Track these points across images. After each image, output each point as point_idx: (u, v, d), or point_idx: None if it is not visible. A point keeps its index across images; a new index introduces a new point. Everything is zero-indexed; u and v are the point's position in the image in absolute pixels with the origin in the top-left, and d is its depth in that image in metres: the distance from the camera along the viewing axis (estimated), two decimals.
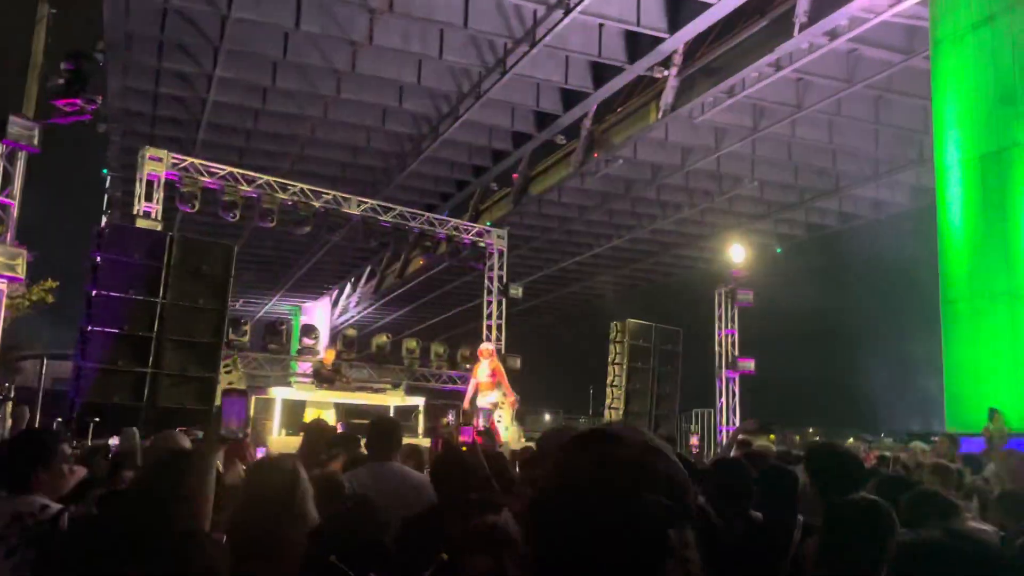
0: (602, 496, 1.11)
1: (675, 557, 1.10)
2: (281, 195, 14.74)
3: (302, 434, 6.02)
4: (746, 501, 3.74)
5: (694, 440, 15.66)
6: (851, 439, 19.17)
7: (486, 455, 4.48)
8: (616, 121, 16.62)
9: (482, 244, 17.72)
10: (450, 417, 14.85)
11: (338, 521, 2.90)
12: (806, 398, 20.80)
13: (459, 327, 26.94)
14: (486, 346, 12.26)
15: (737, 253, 17.07)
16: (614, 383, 16.24)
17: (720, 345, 16.63)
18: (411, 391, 14.80)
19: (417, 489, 4.09)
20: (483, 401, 11.81)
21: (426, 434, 13.19)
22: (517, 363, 16.84)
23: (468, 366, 17.23)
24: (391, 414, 13.57)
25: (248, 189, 14.41)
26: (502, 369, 12.29)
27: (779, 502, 3.68)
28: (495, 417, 15.13)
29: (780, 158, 17.79)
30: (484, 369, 11.90)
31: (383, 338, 16.93)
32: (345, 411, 13.04)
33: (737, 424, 16.11)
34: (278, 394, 12.56)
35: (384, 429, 4.70)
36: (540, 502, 1.16)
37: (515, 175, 19.68)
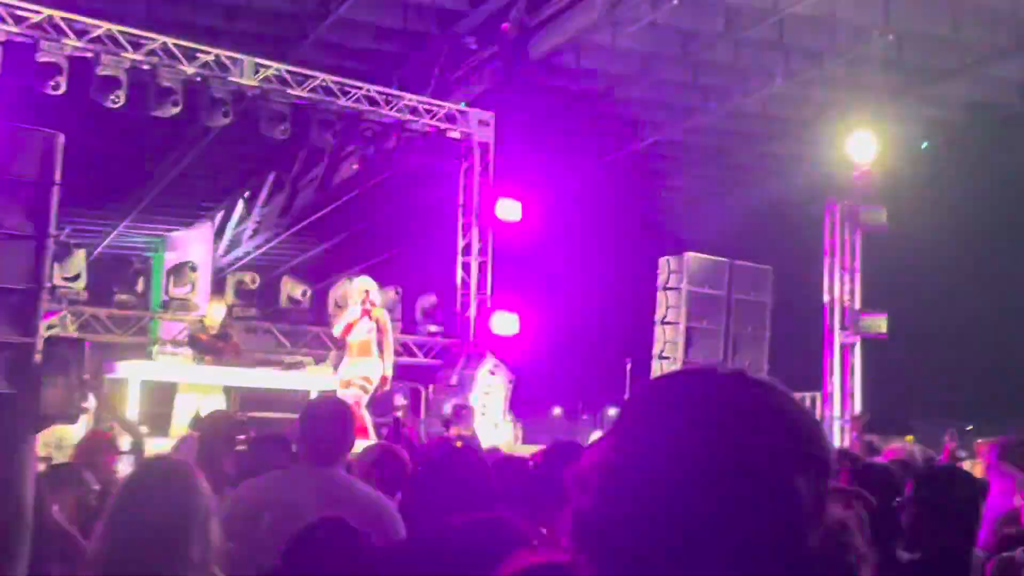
0: (696, 440, 1.22)
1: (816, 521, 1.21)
2: (132, 54, 14.52)
3: (188, 434, 6.16)
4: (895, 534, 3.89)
5: None
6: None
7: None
8: None
9: (455, 134, 17.54)
10: (399, 401, 14.98)
11: (303, 550, 2.95)
12: (965, 375, 20.91)
13: (417, 269, 26.91)
14: (362, 283, 12.33)
15: (861, 148, 17.01)
16: (664, 353, 16.32)
17: (833, 293, 16.65)
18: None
19: (377, 515, 4.15)
20: (350, 373, 12.13)
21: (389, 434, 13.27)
22: (512, 324, 16.89)
23: (433, 328, 17.34)
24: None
25: (78, 44, 14.16)
26: (386, 323, 12.52)
27: (949, 533, 3.75)
28: (480, 404, 15.21)
29: None
30: (360, 322, 12.18)
31: (296, 287, 16.96)
32: (240, 398, 13.10)
33: (855, 414, 16.26)
34: (132, 373, 12.57)
35: (327, 416, 4.72)
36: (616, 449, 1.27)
37: (505, 26, 19.48)
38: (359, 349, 12.15)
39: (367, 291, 12.43)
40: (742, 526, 1.18)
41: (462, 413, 11.87)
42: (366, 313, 12.32)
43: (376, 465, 5.38)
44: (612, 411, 26.34)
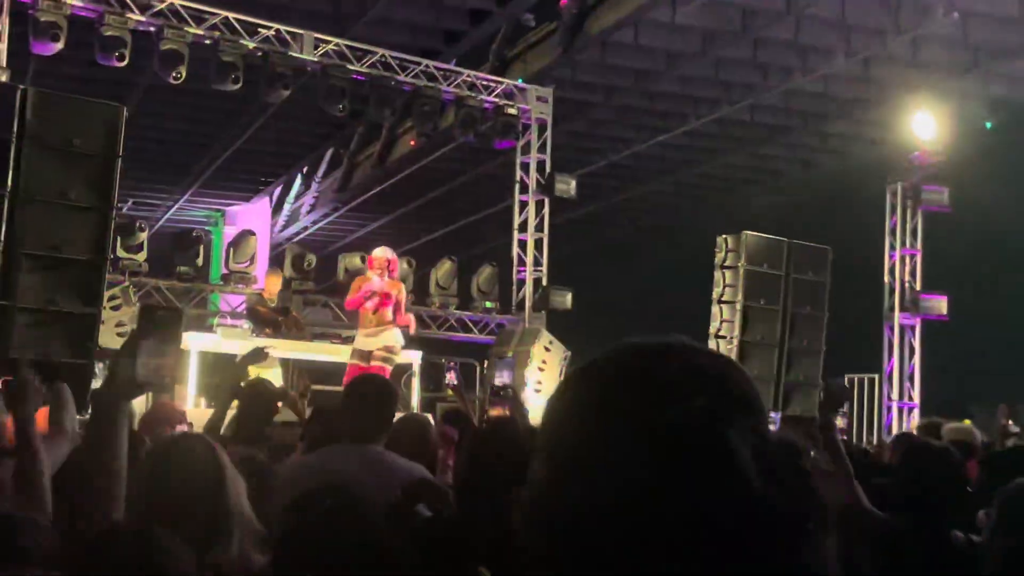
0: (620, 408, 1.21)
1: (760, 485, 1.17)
2: (194, 29, 14.70)
3: (235, 404, 6.19)
4: (946, 513, 3.85)
5: (840, 422, 15.62)
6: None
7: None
8: None
9: (513, 111, 17.56)
10: (452, 376, 15.02)
11: (313, 530, 2.96)
12: None
13: (475, 244, 27.00)
14: (380, 253, 12.19)
15: (923, 128, 16.81)
16: (720, 332, 16.23)
17: (893, 274, 16.50)
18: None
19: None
20: (371, 344, 11.96)
21: (424, 407, 13.37)
22: (567, 300, 16.90)
23: (488, 303, 17.41)
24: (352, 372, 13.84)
25: (141, 18, 14.36)
26: (403, 295, 12.37)
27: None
28: (534, 379, 15.28)
29: None
30: (377, 288, 11.95)
31: (355, 260, 17.06)
32: (298, 371, 13.27)
33: (916, 398, 16.12)
34: (193, 344, 12.78)
35: (370, 392, 4.76)
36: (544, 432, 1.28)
37: (563, 2, 19.45)
38: (378, 320, 12.04)
39: (389, 260, 12.27)
40: (682, 495, 1.16)
41: (500, 396, 11.92)
42: (386, 284, 12.18)
43: (416, 440, 5.43)
44: None
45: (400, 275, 17.03)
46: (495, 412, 11.27)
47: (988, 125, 22.18)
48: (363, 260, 15.33)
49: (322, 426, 5.65)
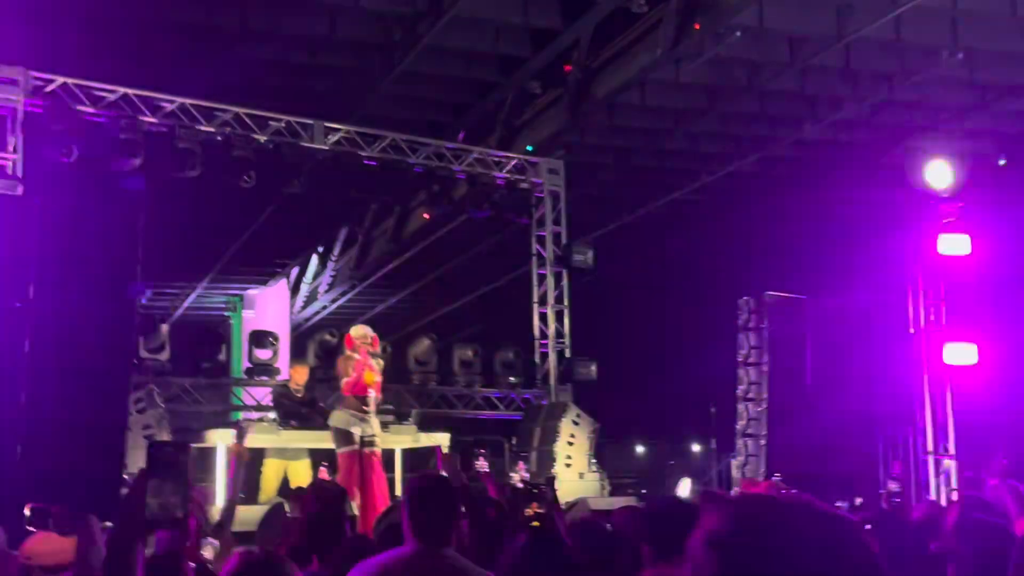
0: None
1: None
2: (206, 126, 14.85)
3: (278, 502, 6.16)
4: None
5: (892, 484, 15.55)
6: None
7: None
8: None
9: (524, 184, 17.66)
10: (482, 463, 14.98)
11: None
12: None
13: (494, 316, 27.00)
14: (367, 331, 12.14)
15: (938, 172, 16.78)
16: (749, 395, 16.22)
17: (918, 325, 16.40)
18: (427, 423, 14.95)
19: None
20: (369, 430, 11.89)
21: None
22: (592, 371, 16.88)
23: (512, 378, 17.40)
24: (397, 462, 13.77)
25: (154, 120, 14.52)
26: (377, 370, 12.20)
27: None
28: (563, 454, 15.20)
29: (999, 11, 17.39)
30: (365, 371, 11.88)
31: (326, 337, 17.08)
32: (329, 463, 13.25)
33: (951, 449, 15.96)
34: (220, 440, 12.79)
35: (432, 491, 4.61)
36: None
37: (568, 67, 19.58)
38: (364, 403, 11.99)
39: (373, 338, 12.25)
40: None
41: (534, 493, 11.84)
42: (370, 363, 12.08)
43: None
44: (695, 448, 26.18)
45: (422, 353, 17.15)
46: (530, 511, 11.25)
47: (1002, 162, 22.17)
48: (339, 338, 15.26)
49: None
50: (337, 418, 12.01)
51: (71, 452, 10.92)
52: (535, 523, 8.01)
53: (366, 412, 11.95)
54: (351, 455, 11.78)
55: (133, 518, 3.13)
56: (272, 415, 14.19)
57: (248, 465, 12.60)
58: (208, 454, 13.22)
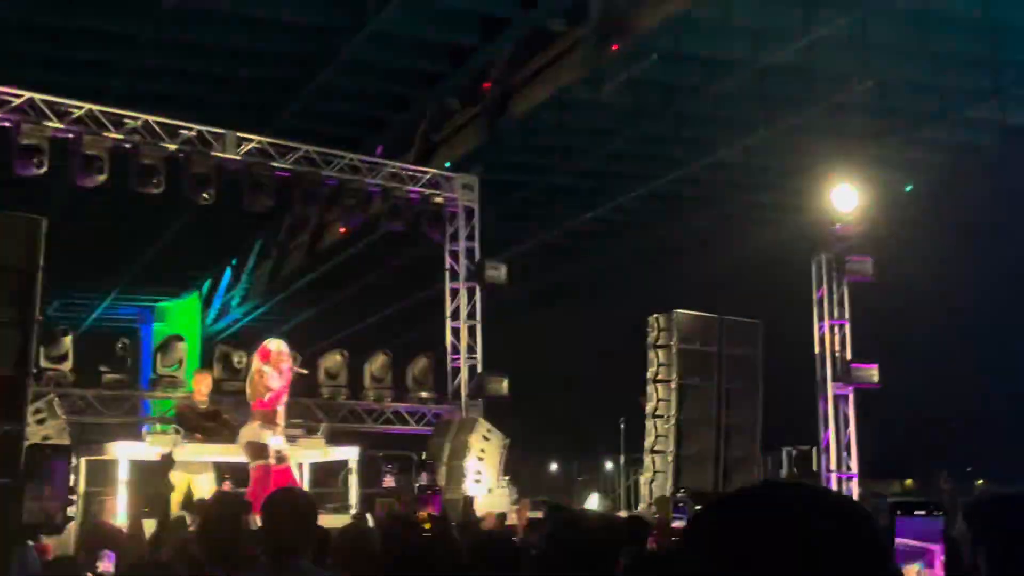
0: None
1: None
2: (113, 133, 14.61)
3: (179, 515, 6.08)
4: None
5: None
6: None
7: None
8: None
9: (439, 199, 17.64)
10: (389, 480, 14.89)
11: None
12: (960, 423, 20.94)
13: (407, 331, 26.92)
14: (281, 347, 12.02)
15: (844, 197, 17.11)
16: (657, 412, 16.32)
17: (823, 345, 16.69)
18: (336, 437, 14.82)
19: None
20: (281, 445, 11.88)
21: (362, 507, 13.22)
22: (503, 386, 16.89)
23: (424, 393, 17.34)
24: (305, 475, 13.64)
25: (59, 125, 14.27)
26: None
27: None
28: (474, 469, 15.18)
29: (907, 40, 17.81)
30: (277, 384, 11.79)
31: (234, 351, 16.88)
32: (233, 476, 13.06)
33: (854, 468, 16.26)
34: (122, 453, 12.54)
35: (287, 505, 4.71)
36: None
37: (486, 84, 19.65)
38: (274, 416, 11.92)
39: (284, 353, 12.19)
40: None
41: (428, 496, 11.81)
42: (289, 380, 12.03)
43: (355, 547, 5.42)
44: (608, 465, 26.28)
45: (335, 368, 17.01)
46: (423, 514, 11.23)
47: (908, 187, 22.69)
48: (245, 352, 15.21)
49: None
50: (250, 431, 11.86)
51: None
52: (427, 524, 8.04)
53: (277, 426, 11.84)
54: (263, 469, 11.65)
55: (10, 523, 3.08)
56: (174, 427, 13.91)
57: (151, 478, 12.40)
58: (109, 466, 12.97)
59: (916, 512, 3.71)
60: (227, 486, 12.38)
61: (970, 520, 3.68)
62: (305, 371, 12.74)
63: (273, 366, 11.91)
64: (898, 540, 3.55)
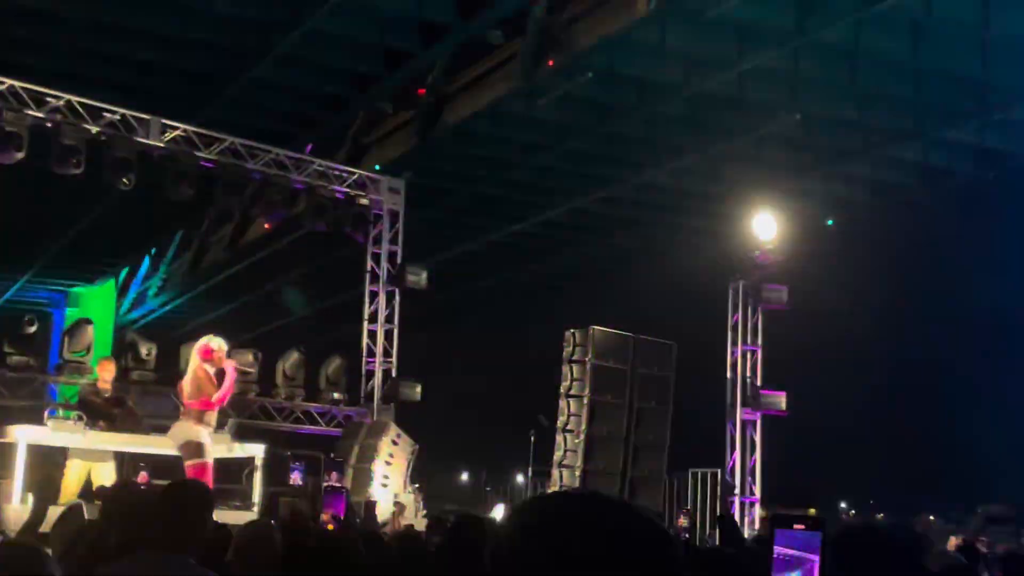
0: None
1: None
2: (34, 111, 14.37)
3: (76, 502, 5.97)
4: None
5: (683, 520, 15.95)
6: (930, 517, 19.70)
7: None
8: (584, 11, 16.69)
9: (365, 200, 17.58)
10: (296, 476, 14.77)
11: None
12: (864, 453, 21.33)
13: (323, 332, 26.76)
14: (216, 344, 11.83)
15: (765, 226, 17.35)
16: (568, 426, 16.38)
17: (735, 370, 16.90)
18: (244, 433, 14.67)
19: None
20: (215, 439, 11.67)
21: (264, 507, 13.08)
22: (416, 392, 16.85)
23: (336, 394, 17.23)
24: (207, 470, 13.47)
25: None
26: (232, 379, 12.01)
27: None
28: (381, 473, 15.12)
29: (837, 78, 18.11)
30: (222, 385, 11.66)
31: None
32: (134, 465, 12.86)
33: (757, 492, 16.44)
34: (21, 436, 12.29)
35: (178, 496, 4.64)
36: None
37: (421, 90, 19.63)
38: (213, 416, 11.78)
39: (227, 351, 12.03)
40: None
41: (333, 497, 11.68)
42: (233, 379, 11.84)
43: (251, 546, 5.36)
44: (519, 479, 26.33)
45: (244, 364, 16.82)
46: (327, 515, 11.16)
47: (830, 223, 23.06)
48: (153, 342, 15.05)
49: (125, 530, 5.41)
50: (186, 429, 11.55)
51: None
52: (329, 526, 8.02)
53: (209, 425, 11.61)
54: (200, 466, 11.41)
55: None
56: (80, 414, 13.66)
57: (48, 464, 12.17)
58: (9, 449, 12.70)
59: (795, 525, 3.82)
60: (143, 477, 12.17)
61: (836, 548, 3.79)
62: (251, 370, 12.51)
63: (216, 364, 11.67)
64: (777, 549, 3.66)
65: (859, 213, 22.88)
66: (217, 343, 11.73)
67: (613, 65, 17.67)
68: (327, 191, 16.93)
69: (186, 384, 11.63)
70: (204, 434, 11.50)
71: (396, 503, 13.63)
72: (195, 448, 11.45)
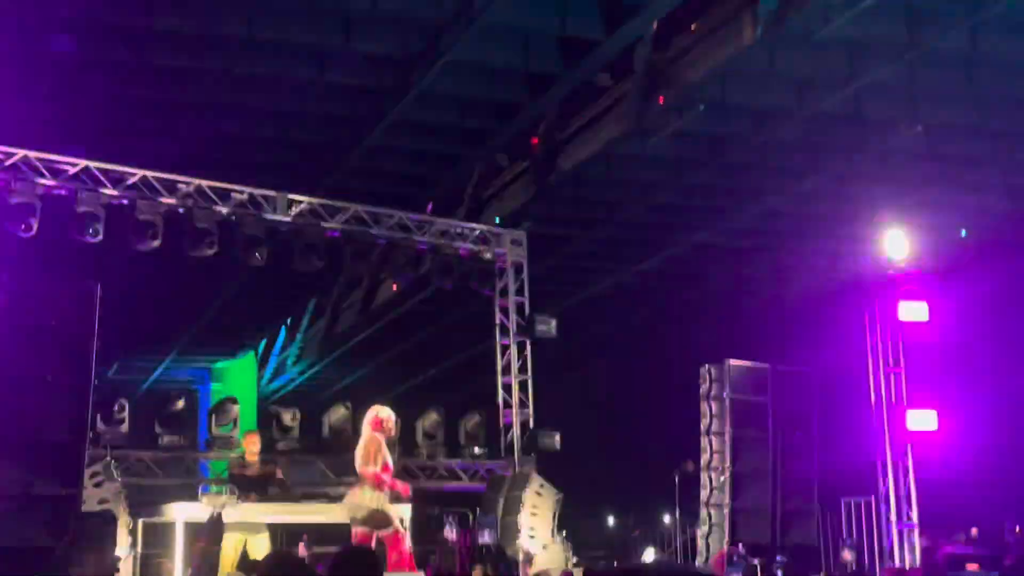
0: None
1: None
2: (167, 198, 14.87)
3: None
4: None
5: (846, 554, 15.48)
6: None
7: None
8: (690, 44, 16.63)
9: (488, 255, 17.69)
10: (450, 532, 14.82)
11: None
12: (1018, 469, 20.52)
13: (459, 388, 26.95)
14: (385, 414, 11.81)
15: (896, 243, 16.95)
16: (712, 464, 16.16)
17: (879, 393, 16.43)
18: (392, 495, 14.79)
19: None
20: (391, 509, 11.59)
21: (418, 560, 13.15)
22: (555, 441, 16.81)
23: (477, 448, 17.31)
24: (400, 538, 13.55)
25: (114, 192, 14.56)
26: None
27: None
28: (527, 525, 15.08)
29: (955, 86, 17.71)
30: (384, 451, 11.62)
31: (341, 411, 16.96)
32: (287, 535, 13.06)
33: (914, 519, 15.91)
34: (179, 514, 12.62)
35: (355, 563, 4.64)
36: None
37: (534, 140, 19.77)
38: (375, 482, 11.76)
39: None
40: None
41: (484, 554, 11.60)
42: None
43: None
44: (666, 520, 25.99)
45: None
46: (478, 571, 11.14)
47: (964, 233, 22.41)
48: (353, 412, 15.26)
49: None
50: (367, 497, 11.55)
51: (24, 527, 10.74)
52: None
53: (385, 492, 11.61)
54: (394, 537, 11.48)
55: None
56: (232, 488, 13.96)
57: (206, 540, 12.42)
58: (167, 529, 13.05)
59: (968, 566, 3.70)
60: (303, 550, 12.28)
61: None
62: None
63: (386, 434, 11.77)
64: None
65: (994, 220, 22.20)
66: (386, 413, 11.80)
67: (724, 96, 17.54)
68: (451, 249, 17.11)
69: (357, 454, 11.68)
70: (384, 500, 11.50)
71: (524, 551, 13.48)
72: (382, 518, 11.43)
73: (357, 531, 11.44)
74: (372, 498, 11.39)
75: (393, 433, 11.97)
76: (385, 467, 11.46)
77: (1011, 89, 18.04)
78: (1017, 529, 17.06)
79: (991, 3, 14.90)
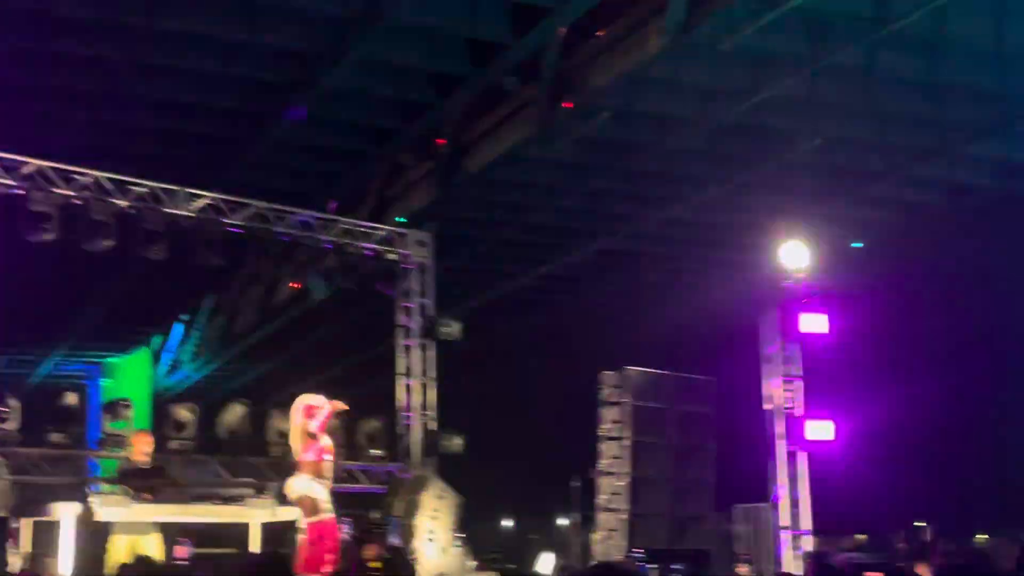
0: None
1: None
2: (63, 189, 14.48)
3: None
4: None
5: (741, 568, 15.56)
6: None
7: None
8: (597, 51, 16.71)
9: (392, 255, 17.56)
10: (344, 531, 14.63)
11: None
12: (912, 478, 21.03)
13: (359, 389, 26.71)
14: (315, 400, 11.64)
15: (794, 253, 17.18)
16: (611, 469, 16.26)
17: (775, 401, 16.63)
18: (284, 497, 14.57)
19: None
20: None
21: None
22: (457, 444, 16.76)
23: (375, 451, 17.13)
24: (254, 537, 13.33)
25: (8, 182, 14.20)
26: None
27: None
28: (427, 528, 14.97)
29: (854, 102, 18.04)
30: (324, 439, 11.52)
31: (238, 410, 16.68)
32: (179, 535, 12.76)
33: (808, 526, 16.15)
34: (66, 514, 12.26)
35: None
36: None
37: (440, 140, 19.70)
38: (330, 469, 11.62)
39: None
40: None
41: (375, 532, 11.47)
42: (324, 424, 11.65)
43: None
44: (561, 522, 26.11)
45: (275, 428, 16.74)
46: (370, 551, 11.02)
47: (856, 245, 22.84)
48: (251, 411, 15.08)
49: None
50: (301, 484, 11.37)
51: None
52: (377, 564, 7.79)
53: (327, 479, 11.45)
54: (321, 524, 11.27)
55: None
56: (122, 487, 13.59)
57: (94, 540, 12.10)
58: (52, 527, 12.68)
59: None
60: (182, 551, 12.05)
61: None
62: (346, 406, 12.39)
63: (320, 420, 11.56)
64: None
65: (888, 234, 22.71)
66: (317, 400, 11.61)
67: (629, 103, 17.65)
68: (355, 249, 16.96)
69: (293, 442, 11.56)
70: (318, 488, 11.33)
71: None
72: (312, 505, 11.26)
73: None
74: (304, 485, 11.25)
75: (331, 414, 11.73)
76: (321, 450, 11.37)
77: (907, 105, 18.47)
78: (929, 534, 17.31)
79: (891, 21, 15.23)
